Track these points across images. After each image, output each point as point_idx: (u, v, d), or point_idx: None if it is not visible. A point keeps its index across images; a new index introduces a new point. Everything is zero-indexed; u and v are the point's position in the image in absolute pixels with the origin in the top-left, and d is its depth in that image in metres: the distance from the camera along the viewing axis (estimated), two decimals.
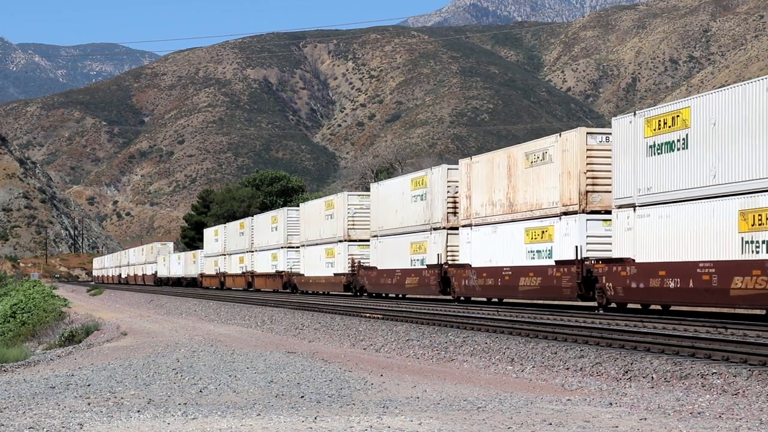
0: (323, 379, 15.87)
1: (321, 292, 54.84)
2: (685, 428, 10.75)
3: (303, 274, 55.78)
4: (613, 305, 28.74)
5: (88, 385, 15.51)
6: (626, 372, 15.85)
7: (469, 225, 35.66)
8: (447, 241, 37.94)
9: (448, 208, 38.01)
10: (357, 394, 13.96)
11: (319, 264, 52.66)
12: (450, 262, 37.56)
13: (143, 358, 20.42)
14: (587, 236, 29.01)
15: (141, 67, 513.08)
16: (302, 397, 13.75)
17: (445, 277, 37.60)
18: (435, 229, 38.79)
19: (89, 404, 13.19)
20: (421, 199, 40.19)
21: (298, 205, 65.49)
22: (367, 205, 47.96)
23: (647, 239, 25.90)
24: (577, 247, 28.89)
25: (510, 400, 13.26)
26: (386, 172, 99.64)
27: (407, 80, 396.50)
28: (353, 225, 48.91)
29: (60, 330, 40.12)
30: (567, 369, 17.05)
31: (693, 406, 12.46)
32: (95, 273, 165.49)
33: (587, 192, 29.17)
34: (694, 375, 14.73)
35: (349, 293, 49.28)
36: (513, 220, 32.80)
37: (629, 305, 29.15)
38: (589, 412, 11.98)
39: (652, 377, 15.20)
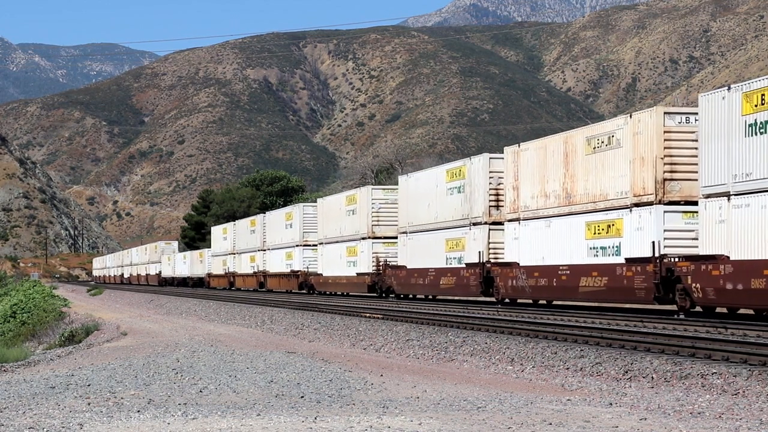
0: (323, 379, 15.87)
1: (341, 293, 52.01)
2: (685, 428, 10.75)
3: (321, 274, 52.84)
4: (698, 309, 25.71)
5: (88, 385, 15.51)
6: (626, 372, 15.85)
7: (517, 219, 32.59)
8: (489, 238, 34.67)
9: (490, 201, 34.81)
10: (357, 394, 13.96)
11: (340, 263, 49.69)
12: (493, 261, 34.36)
13: (143, 358, 20.42)
14: (665, 230, 25.81)
15: (141, 67, 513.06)
16: (302, 397, 13.75)
17: (487, 277, 34.29)
18: (475, 224, 35.53)
19: (89, 404, 13.18)
20: (459, 192, 36.94)
21: (315, 201, 61.47)
22: (393, 199, 45.30)
23: (746, 233, 22.64)
24: (654, 242, 25.68)
25: (510, 400, 13.25)
26: (386, 172, 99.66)
27: (407, 80, 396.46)
28: (378, 221, 45.96)
29: (60, 330, 40.12)
30: (567, 369, 17.05)
31: (693, 406, 12.46)
32: (96, 273, 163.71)
33: (664, 180, 25.89)
34: (694, 375, 14.73)
35: (374, 294, 46.25)
36: (571, 213, 29.74)
37: (717, 309, 25.92)
38: (589, 412, 11.98)
39: (652, 377, 15.19)
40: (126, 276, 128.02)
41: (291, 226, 58.89)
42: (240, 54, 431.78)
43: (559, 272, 29.88)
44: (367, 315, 31.47)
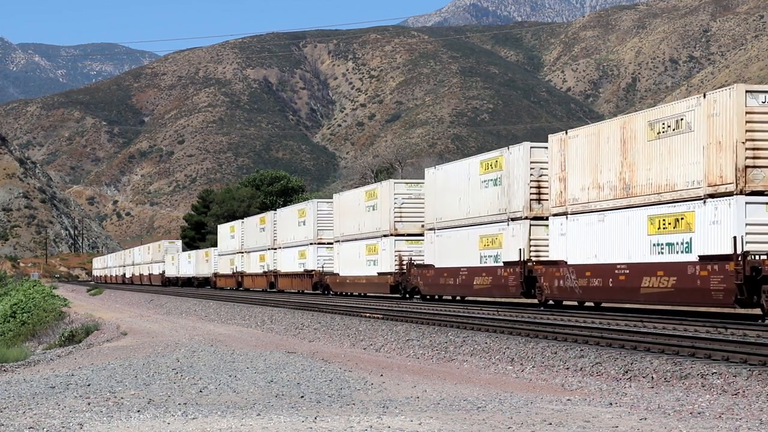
0: (323, 379, 15.87)
1: (359, 294, 49.31)
2: (685, 428, 10.74)
3: (338, 274, 50.10)
4: None
5: (88, 385, 15.51)
6: (626, 372, 15.85)
7: (564, 213, 29.90)
8: (530, 234, 31.99)
9: (530, 194, 32.08)
10: (357, 394, 13.96)
11: (359, 262, 46.86)
12: (535, 259, 31.72)
13: (143, 358, 20.42)
14: (746, 224, 23.07)
15: (141, 67, 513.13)
16: (302, 397, 13.74)
17: (529, 277, 31.56)
18: (513, 219, 32.77)
19: (89, 404, 13.18)
20: (495, 185, 34.08)
21: (332, 197, 58.72)
22: (417, 193, 42.73)
23: None
24: (735, 238, 22.92)
25: (510, 400, 13.25)
26: (386, 172, 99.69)
27: (407, 80, 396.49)
28: (401, 217, 43.18)
29: (60, 330, 40.11)
30: (567, 369, 17.04)
31: (693, 406, 12.46)
32: (97, 273, 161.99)
33: (746, 167, 23.16)
34: (694, 375, 14.73)
35: (397, 295, 43.50)
36: (630, 206, 26.88)
37: None
38: (589, 412, 11.98)
39: (652, 377, 15.19)
40: (128, 276, 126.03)
41: (304, 224, 56.34)
42: (240, 54, 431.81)
43: (617, 271, 27.12)
44: (367, 315, 31.46)
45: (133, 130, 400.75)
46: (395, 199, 43.31)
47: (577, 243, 29.27)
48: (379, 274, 44.00)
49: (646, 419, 11.42)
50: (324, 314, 34.34)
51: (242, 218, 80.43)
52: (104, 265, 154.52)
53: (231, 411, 12.33)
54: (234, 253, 73.41)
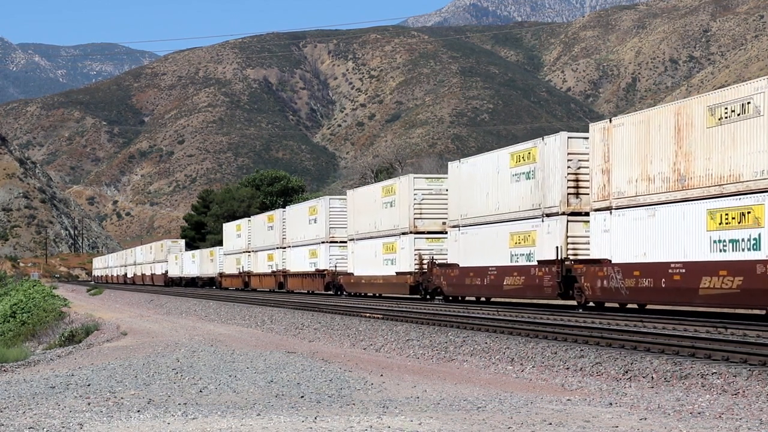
0: (323, 379, 15.87)
1: (374, 294, 47.46)
2: (685, 428, 10.74)
3: (352, 273, 47.97)
4: None
5: (88, 385, 15.51)
6: (626, 372, 15.85)
7: (608, 208, 27.52)
8: (567, 230, 29.87)
9: (568, 187, 29.91)
10: (357, 394, 13.96)
11: (375, 261, 44.65)
12: (573, 257, 29.61)
13: (143, 358, 20.42)
14: None
15: (141, 67, 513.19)
16: (302, 397, 13.74)
17: (567, 277, 29.37)
18: (549, 215, 30.57)
19: (89, 404, 13.18)
20: (527, 178, 31.89)
21: (346, 194, 55.72)
22: (438, 189, 40.72)
23: None
24: None
25: (510, 400, 13.25)
26: (386, 171, 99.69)
27: (407, 80, 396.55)
28: (420, 214, 40.99)
29: (60, 330, 40.12)
30: (567, 369, 17.04)
31: (693, 406, 12.46)
32: (97, 273, 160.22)
33: None
34: (694, 375, 14.73)
35: (417, 296, 41.60)
36: (685, 200, 24.60)
37: None
38: (589, 412, 11.98)
39: (652, 377, 15.19)
40: (129, 276, 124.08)
41: (315, 222, 54.26)
42: (240, 54, 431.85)
43: (670, 271, 24.86)
44: (367, 315, 31.46)
45: (133, 130, 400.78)
46: (415, 194, 41.18)
47: (623, 240, 26.98)
48: (398, 273, 42.00)
49: (646, 419, 11.42)
50: (324, 314, 34.34)
51: (242, 218, 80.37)
52: (105, 264, 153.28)
53: (231, 411, 12.33)
54: (240, 253, 71.74)
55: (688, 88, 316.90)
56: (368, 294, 48.03)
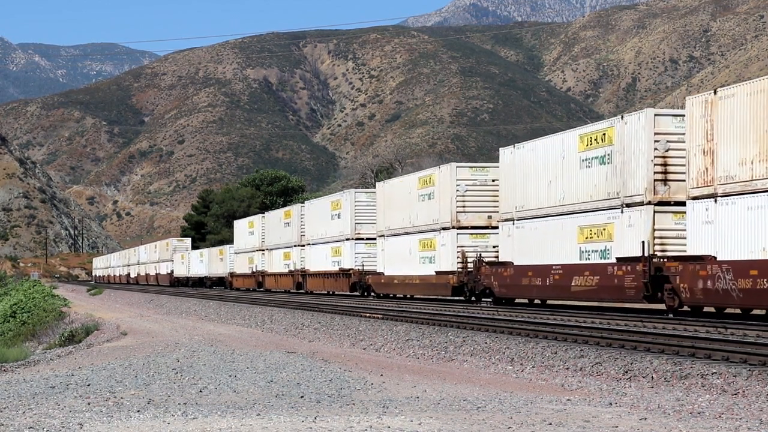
0: (323, 379, 15.87)
1: (405, 296, 44.25)
2: (685, 428, 10.74)
3: (382, 273, 44.33)
4: None
5: (88, 385, 15.51)
6: (626, 372, 15.85)
7: (711, 196, 23.65)
8: (654, 223, 26.14)
9: (655, 173, 26.25)
10: (357, 394, 13.95)
11: (410, 259, 41.08)
12: (661, 254, 25.90)
13: (143, 358, 20.42)
14: None
15: (141, 67, 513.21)
16: (302, 397, 13.74)
17: (656, 276, 25.48)
18: (630, 204, 26.99)
19: (89, 404, 13.18)
20: (601, 163, 28.32)
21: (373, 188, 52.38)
22: (484, 179, 37.10)
23: None
24: None
25: (510, 400, 13.25)
26: (386, 171, 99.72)
27: (407, 80, 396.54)
28: (464, 207, 36.92)
29: (60, 330, 40.12)
30: (567, 369, 17.04)
31: (693, 406, 12.46)
32: (98, 273, 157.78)
33: None
34: (694, 375, 14.73)
35: (460, 298, 37.79)
36: None
37: None
38: (589, 412, 11.98)
39: (652, 377, 15.19)
40: (133, 276, 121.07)
41: (339, 217, 50.59)
42: (240, 54, 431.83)
43: None
44: (367, 315, 31.46)
45: (133, 130, 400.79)
46: (458, 185, 37.14)
47: (732, 233, 23.02)
48: (438, 273, 38.15)
49: (646, 419, 11.42)
50: (324, 314, 34.34)
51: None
52: (107, 264, 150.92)
53: (231, 411, 12.33)
54: (253, 251, 67.98)
55: (688, 88, 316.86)
56: (401, 296, 44.63)
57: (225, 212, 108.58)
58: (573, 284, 29.01)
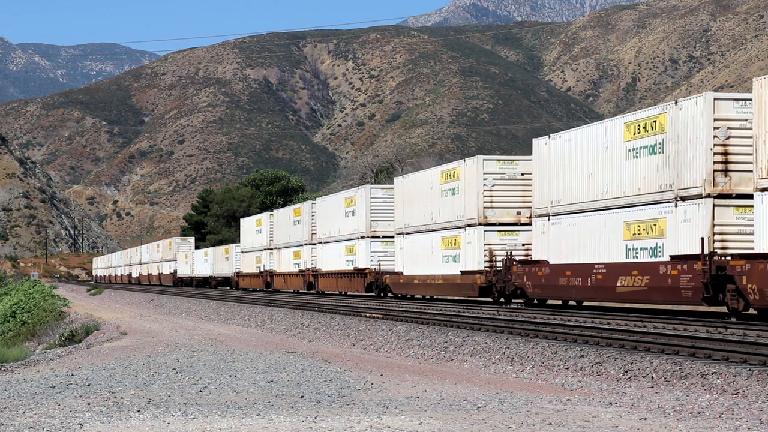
0: (323, 378, 15.87)
1: (424, 297, 42.35)
2: (685, 428, 10.74)
3: (401, 272, 42.45)
4: None
5: (88, 385, 15.51)
6: (626, 372, 15.85)
7: None
8: (714, 218, 23.83)
9: (714, 162, 23.99)
10: (357, 394, 13.95)
11: (432, 258, 39.01)
12: (722, 251, 23.60)
13: (143, 358, 20.42)
14: None
15: (141, 67, 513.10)
16: (302, 396, 13.74)
17: (717, 276, 23.13)
18: (686, 198, 24.67)
19: (89, 404, 13.18)
20: (651, 153, 26.03)
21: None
22: (512, 173, 34.89)
23: None
24: None
25: (510, 399, 13.25)
26: (386, 171, 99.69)
27: (407, 80, 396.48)
28: (491, 202, 34.92)
29: (60, 330, 40.12)
30: (567, 369, 17.04)
31: (693, 406, 12.46)
32: (99, 273, 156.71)
33: None
34: (694, 375, 14.73)
35: (488, 299, 35.54)
36: None
37: None
38: (589, 412, 11.98)
39: (652, 377, 15.19)
40: (135, 276, 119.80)
41: (353, 214, 48.62)
42: (240, 54, 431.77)
43: None
44: (367, 315, 31.46)
45: (133, 130, 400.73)
46: (485, 179, 35.05)
47: None
48: (463, 273, 35.95)
49: (646, 419, 11.42)
50: (324, 314, 34.34)
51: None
52: (108, 264, 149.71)
53: (231, 411, 12.33)
54: (261, 250, 65.82)
55: (688, 88, 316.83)
56: (422, 297, 42.68)
57: (225, 212, 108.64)
58: (618, 285, 26.83)
